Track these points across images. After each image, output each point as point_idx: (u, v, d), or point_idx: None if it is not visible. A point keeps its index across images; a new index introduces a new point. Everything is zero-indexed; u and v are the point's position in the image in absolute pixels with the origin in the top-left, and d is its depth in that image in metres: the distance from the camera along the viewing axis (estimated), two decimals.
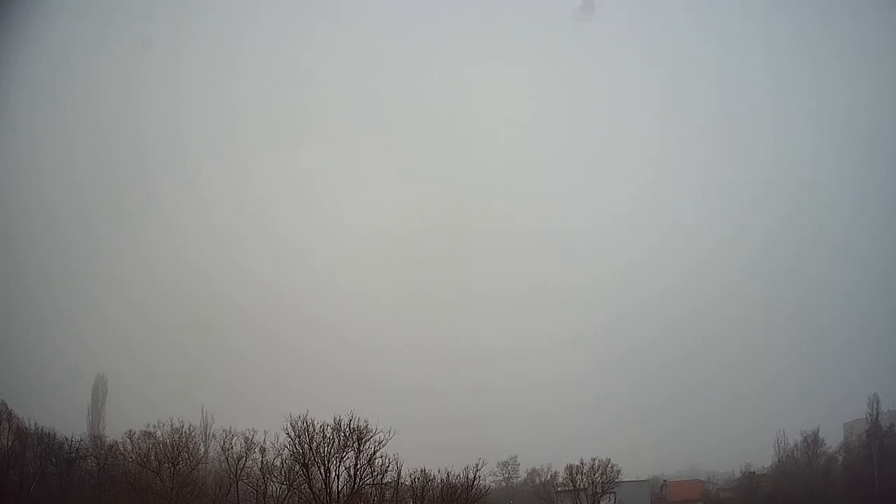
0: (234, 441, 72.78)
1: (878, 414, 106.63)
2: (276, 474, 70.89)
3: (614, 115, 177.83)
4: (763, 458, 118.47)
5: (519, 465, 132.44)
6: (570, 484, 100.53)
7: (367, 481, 70.30)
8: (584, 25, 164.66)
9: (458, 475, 77.51)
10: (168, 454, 67.15)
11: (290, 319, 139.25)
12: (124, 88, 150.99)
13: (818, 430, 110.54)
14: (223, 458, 74.61)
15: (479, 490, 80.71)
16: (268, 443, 71.37)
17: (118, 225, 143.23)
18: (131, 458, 72.44)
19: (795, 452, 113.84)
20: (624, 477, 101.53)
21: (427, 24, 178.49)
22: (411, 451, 76.36)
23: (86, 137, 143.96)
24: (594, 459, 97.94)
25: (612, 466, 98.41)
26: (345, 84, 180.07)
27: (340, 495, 67.73)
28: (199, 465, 74.81)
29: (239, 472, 71.60)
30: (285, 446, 68.38)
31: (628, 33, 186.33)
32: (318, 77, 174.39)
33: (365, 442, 68.43)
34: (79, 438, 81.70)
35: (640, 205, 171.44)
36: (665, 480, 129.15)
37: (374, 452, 69.00)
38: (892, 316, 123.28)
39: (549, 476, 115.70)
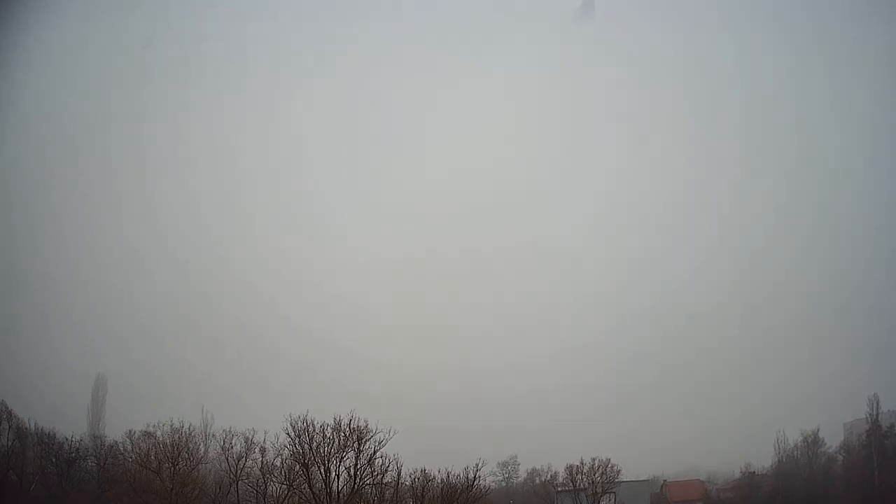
0: (234, 441, 72.75)
1: (878, 414, 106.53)
2: (276, 474, 70.93)
3: (613, 117, 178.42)
4: (763, 458, 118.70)
5: (519, 465, 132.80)
6: (570, 484, 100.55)
7: (367, 481, 70.36)
8: (583, 26, 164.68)
9: (458, 475, 77.76)
10: (168, 454, 67.00)
11: (291, 326, 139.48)
12: (127, 92, 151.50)
13: (818, 430, 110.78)
14: (223, 458, 74.45)
15: (479, 490, 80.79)
16: (268, 443, 71.50)
17: (119, 226, 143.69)
18: (131, 458, 72.33)
19: (795, 452, 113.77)
20: (624, 477, 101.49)
21: (425, 27, 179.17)
22: (411, 452, 76.55)
23: (88, 140, 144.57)
24: (594, 459, 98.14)
25: (611, 466, 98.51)
26: (343, 90, 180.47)
27: (340, 495, 67.74)
28: (199, 465, 74.62)
29: (239, 472, 71.51)
30: (285, 446, 68.58)
31: (628, 34, 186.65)
32: (317, 82, 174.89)
33: (365, 442, 68.56)
34: (79, 438, 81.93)
35: (639, 210, 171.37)
36: (665, 480, 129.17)
37: (374, 452, 69.20)
38: (892, 316, 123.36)
39: (549, 476, 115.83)
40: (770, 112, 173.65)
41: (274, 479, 71.41)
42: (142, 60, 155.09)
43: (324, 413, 68.84)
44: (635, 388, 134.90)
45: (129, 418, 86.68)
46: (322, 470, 68.08)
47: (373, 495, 72.32)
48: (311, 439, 67.25)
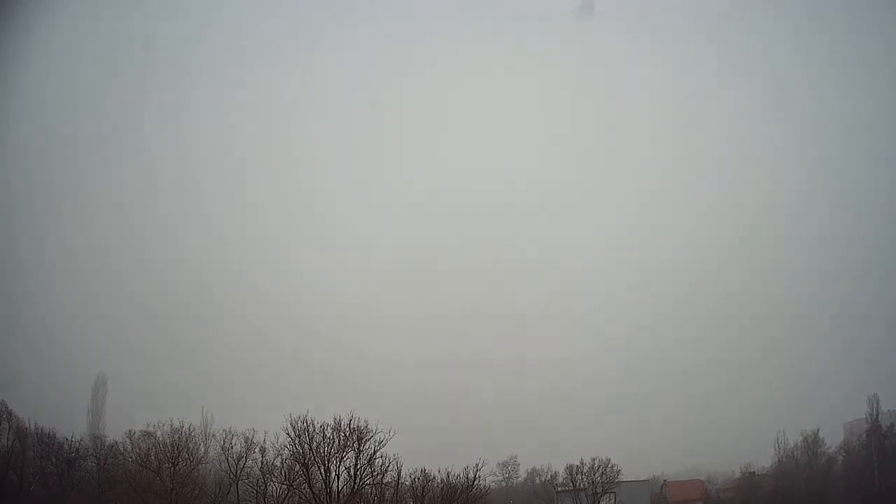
0: (234, 441, 73.02)
1: (878, 414, 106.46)
2: (276, 474, 71.07)
3: (613, 117, 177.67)
4: (763, 458, 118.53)
5: (519, 465, 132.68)
6: (570, 484, 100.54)
7: (367, 481, 70.46)
8: (584, 25, 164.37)
9: (458, 475, 77.89)
10: (168, 454, 67.21)
11: (291, 324, 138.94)
12: (130, 91, 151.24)
13: (818, 430, 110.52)
14: (223, 458, 74.61)
15: (479, 490, 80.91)
16: (268, 443, 71.75)
17: (119, 225, 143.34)
18: (131, 458, 72.55)
19: (795, 452, 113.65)
20: (624, 477, 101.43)
21: (425, 27, 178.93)
22: (411, 452, 76.60)
23: (91, 138, 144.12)
24: (594, 459, 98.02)
25: (611, 466, 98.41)
26: (343, 90, 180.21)
27: (340, 495, 67.82)
28: (199, 465, 74.78)
29: (239, 472, 71.65)
30: (285, 446, 68.84)
31: (629, 33, 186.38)
32: (315, 83, 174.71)
33: (365, 442, 68.70)
34: (79, 438, 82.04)
35: (644, 214, 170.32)
36: (665, 480, 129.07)
37: (374, 452, 69.36)
38: (891, 316, 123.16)
39: (549, 476, 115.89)
40: (771, 113, 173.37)
41: (274, 479, 71.55)
42: (141, 60, 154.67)
43: (324, 413, 69.17)
44: (636, 389, 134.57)
45: (129, 418, 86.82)
46: (322, 470, 68.21)
47: (373, 495, 72.42)
48: (311, 439, 67.46)
